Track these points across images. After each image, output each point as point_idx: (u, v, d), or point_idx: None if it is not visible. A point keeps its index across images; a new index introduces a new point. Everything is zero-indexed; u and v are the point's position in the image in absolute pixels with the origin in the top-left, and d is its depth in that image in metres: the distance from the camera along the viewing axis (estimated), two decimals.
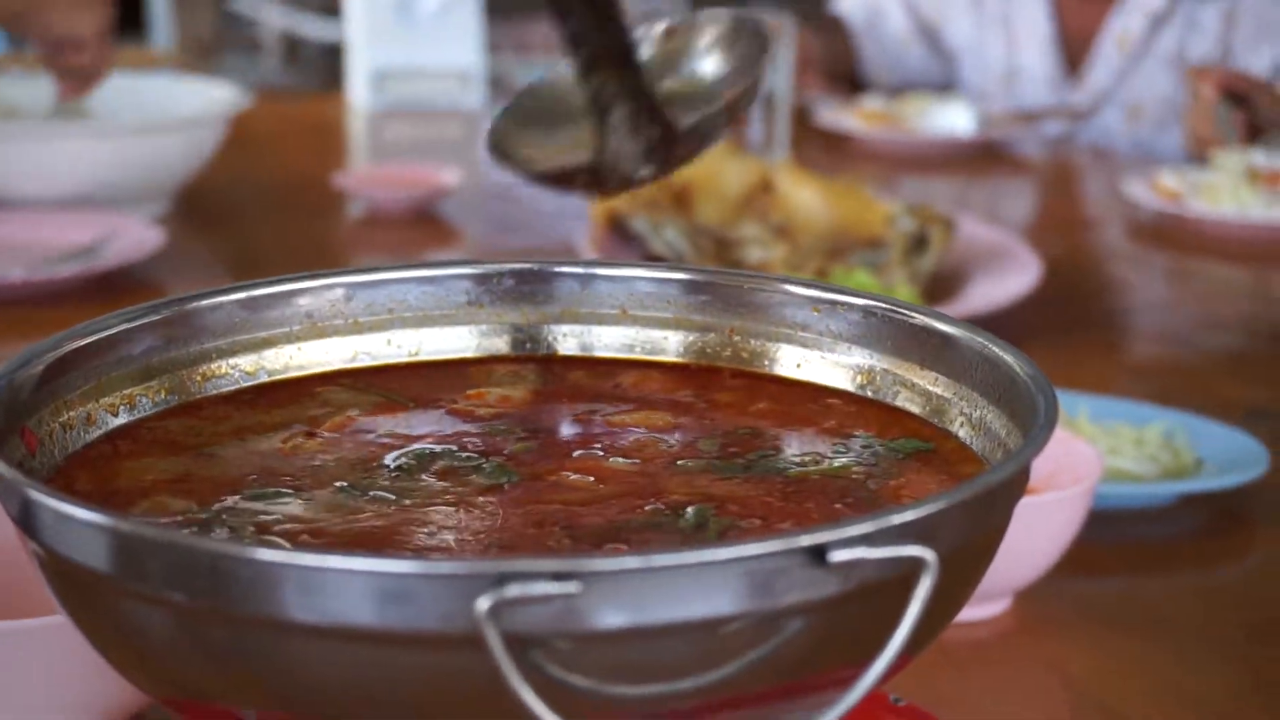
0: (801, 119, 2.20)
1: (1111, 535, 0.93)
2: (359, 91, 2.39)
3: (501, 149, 0.60)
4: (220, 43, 4.62)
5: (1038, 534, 0.81)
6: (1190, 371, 1.30)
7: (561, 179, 0.60)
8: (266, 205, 1.83)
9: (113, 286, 1.41)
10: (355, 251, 1.69)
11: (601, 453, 0.59)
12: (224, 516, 0.53)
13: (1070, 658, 0.81)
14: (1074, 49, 2.33)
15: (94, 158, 1.57)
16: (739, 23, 0.60)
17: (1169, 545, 0.95)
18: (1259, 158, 1.78)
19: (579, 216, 1.58)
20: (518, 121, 0.62)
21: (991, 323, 1.30)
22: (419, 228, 1.70)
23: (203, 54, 4.39)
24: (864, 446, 0.60)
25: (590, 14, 0.55)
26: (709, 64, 0.62)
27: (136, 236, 1.49)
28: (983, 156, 2.17)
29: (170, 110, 1.75)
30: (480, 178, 2.01)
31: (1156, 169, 1.89)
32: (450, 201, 1.77)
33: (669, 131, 0.58)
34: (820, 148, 2.16)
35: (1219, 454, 1.00)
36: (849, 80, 2.54)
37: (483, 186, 1.96)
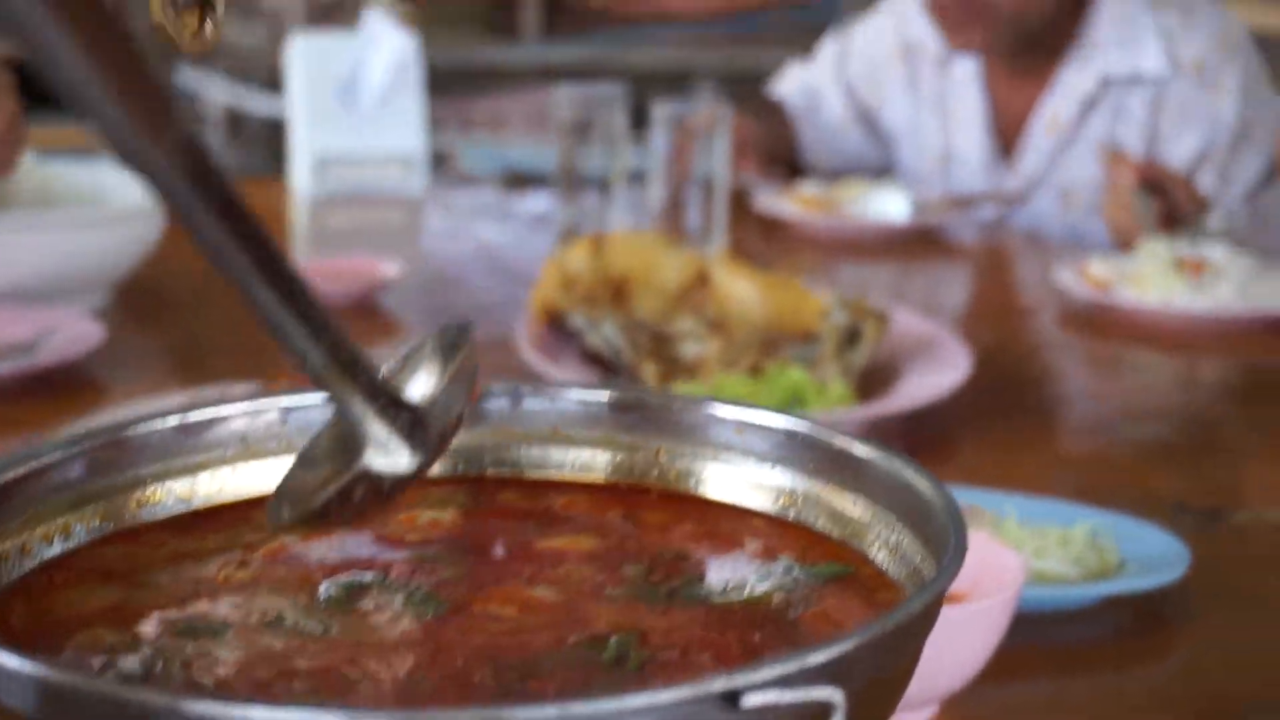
0: (739, 204, 2.23)
1: (1036, 637, 0.95)
2: (301, 177, 2.40)
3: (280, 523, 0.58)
4: None
5: (963, 644, 0.82)
6: (1119, 463, 1.32)
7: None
8: (209, 296, 1.83)
9: (52, 383, 1.41)
10: None
11: (528, 581, 0.61)
12: (154, 654, 0.54)
13: None
14: (1007, 133, 2.38)
15: (32, 251, 1.58)
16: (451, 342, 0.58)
17: (1093, 647, 0.96)
18: (1184, 248, 1.82)
19: (518, 307, 1.59)
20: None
21: (923, 416, 1.33)
22: (360, 320, 1.71)
23: None
24: (785, 571, 0.62)
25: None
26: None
27: (76, 331, 1.49)
28: (918, 242, 2.20)
29: (109, 201, 1.76)
30: (421, 267, 2.03)
31: (1086, 257, 1.93)
32: (392, 291, 1.79)
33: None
34: (758, 234, 2.19)
35: (1142, 553, 1.02)
36: (788, 164, 2.57)
37: (424, 276, 1.98)
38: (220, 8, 0.59)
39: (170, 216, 0.50)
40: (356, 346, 0.54)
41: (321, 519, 0.56)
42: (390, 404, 0.55)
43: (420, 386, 0.57)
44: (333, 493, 0.55)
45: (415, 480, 0.56)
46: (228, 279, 0.51)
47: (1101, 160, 2.10)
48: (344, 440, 0.56)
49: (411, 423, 0.55)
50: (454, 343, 0.57)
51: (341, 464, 0.55)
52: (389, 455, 0.55)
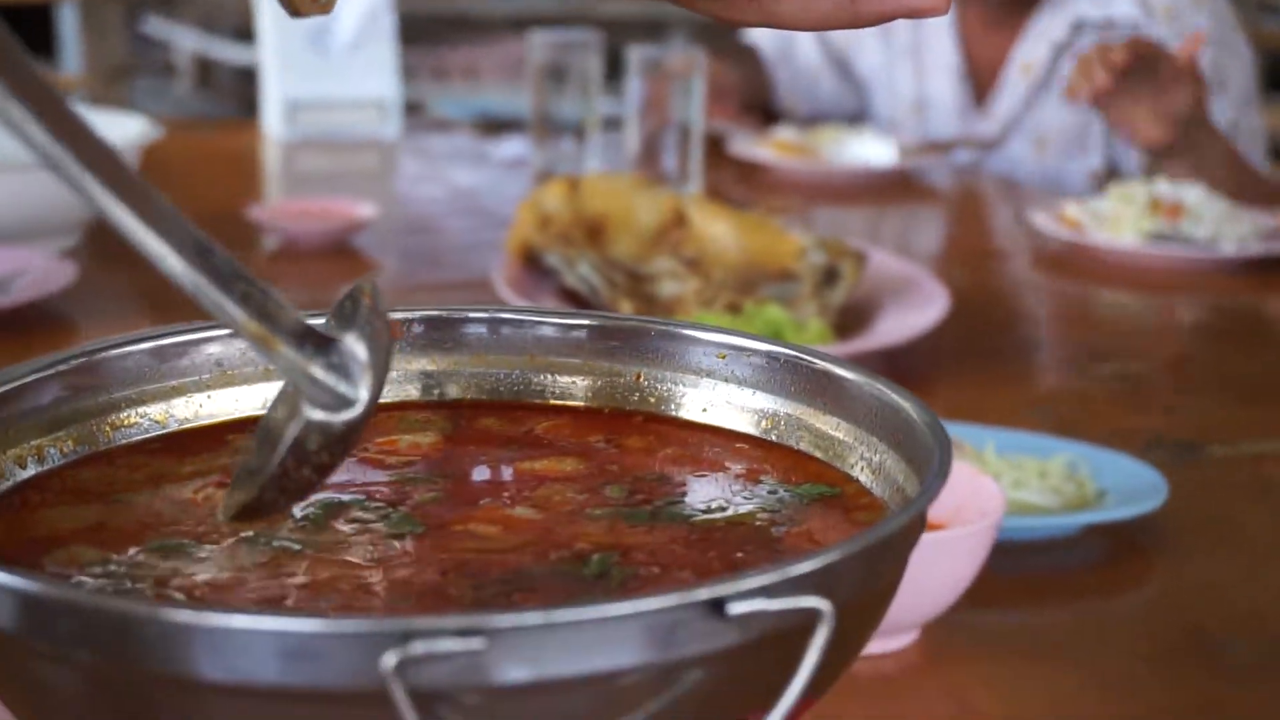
0: (715, 149, 2.23)
1: (1015, 567, 0.95)
2: (273, 122, 2.38)
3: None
4: (132, 66, 4.58)
5: (943, 569, 0.82)
6: (1094, 401, 1.33)
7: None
8: None
9: (24, 322, 1.40)
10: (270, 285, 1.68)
11: (509, 501, 0.60)
12: (128, 570, 0.53)
13: (975, 689, 0.83)
14: (981, 79, 2.37)
15: (2, 192, 1.56)
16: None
17: (1071, 576, 0.97)
18: (1162, 188, 1.82)
19: (494, 249, 1.59)
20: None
21: (901, 354, 1.33)
22: (334, 261, 1.70)
23: (114, 78, 4.34)
24: (769, 492, 0.62)
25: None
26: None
27: (47, 272, 1.48)
28: (892, 186, 2.20)
29: None
30: (396, 210, 2.02)
31: (1061, 200, 1.93)
32: (366, 234, 1.77)
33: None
34: (734, 178, 2.18)
35: (1120, 485, 1.02)
36: (764, 110, 2.57)
37: (399, 219, 1.96)
38: None
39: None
40: (273, 294, 0.52)
41: (278, 490, 0.53)
42: (319, 346, 0.52)
43: (338, 331, 0.54)
44: (282, 454, 0.52)
45: (366, 419, 0.54)
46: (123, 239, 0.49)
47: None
48: (291, 401, 0.54)
49: (346, 360, 0.53)
50: (352, 296, 0.55)
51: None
52: (332, 398, 0.53)
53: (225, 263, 0.51)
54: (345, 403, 0.53)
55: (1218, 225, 1.77)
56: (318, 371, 0.52)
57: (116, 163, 0.49)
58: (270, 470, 0.52)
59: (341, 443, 0.53)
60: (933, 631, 0.86)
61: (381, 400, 0.69)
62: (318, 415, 0.52)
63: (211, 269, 0.50)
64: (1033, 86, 2.28)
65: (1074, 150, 2.29)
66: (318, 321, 0.54)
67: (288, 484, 0.53)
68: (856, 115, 2.54)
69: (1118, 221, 1.78)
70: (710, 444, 0.66)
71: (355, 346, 0.53)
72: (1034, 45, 2.27)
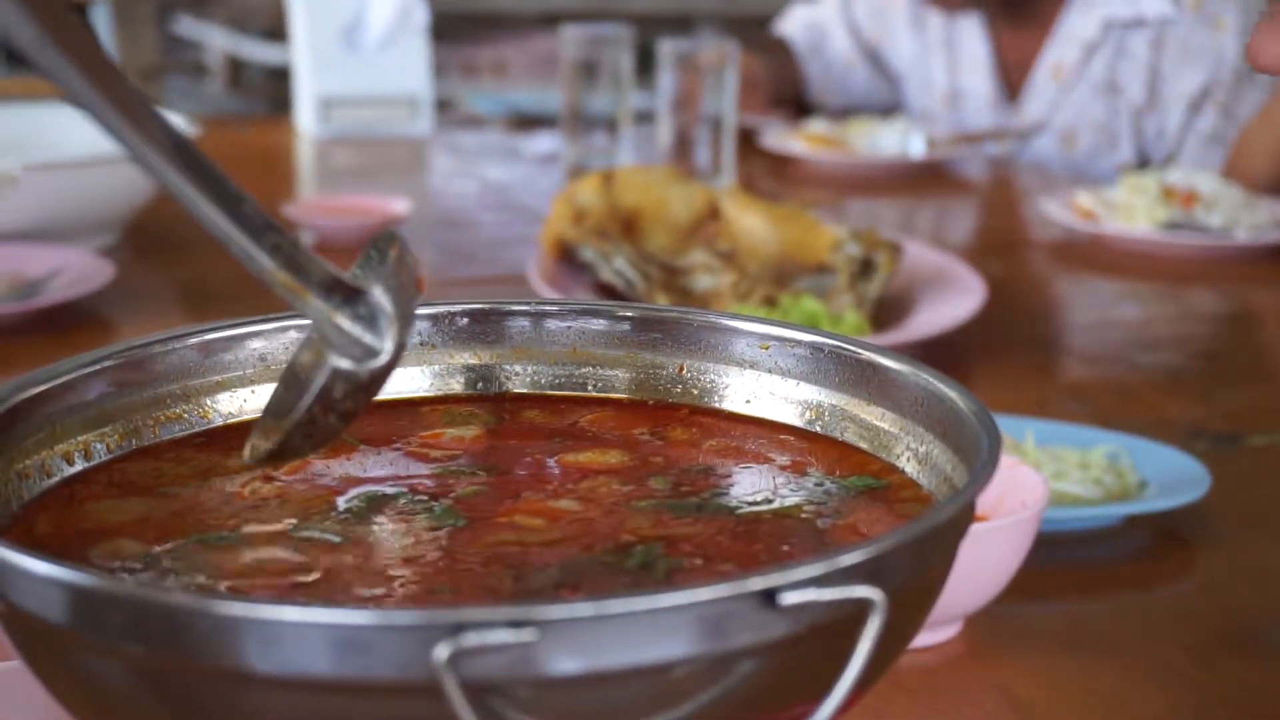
0: (747, 142, 2.22)
1: (1058, 558, 0.95)
2: (306, 119, 2.39)
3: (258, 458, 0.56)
4: (164, 66, 4.61)
5: (986, 560, 0.82)
6: (1132, 392, 1.32)
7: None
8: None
9: (62, 320, 1.41)
10: None
11: (553, 494, 0.60)
12: (171, 563, 0.54)
13: (1018, 681, 0.82)
14: (1011, 77, 2.36)
15: (42, 191, 1.57)
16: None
17: (1113, 567, 0.96)
18: (1174, 177, 1.82)
19: (528, 245, 1.59)
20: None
21: (936, 346, 1.32)
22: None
23: (146, 77, 4.37)
24: (815, 484, 0.61)
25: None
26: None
27: (86, 270, 1.48)
28: (925, 178, 2.19)
29: None
30: (429, 206, 2.02)
31: (1077, 189, 1.93)
32: (399, 230, 1.77)
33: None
34: (766, 171, 2.18)
35: (1162, 475, 1.02)
36: (795, 103, 2.56)
37: (432, 215, 1.97)
38: None
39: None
40: (303, 246, 0.53)
41: (304, 435, 0.55)
42: (346, 297, 0.54)
43: (365, 282, 0.55)
44: (309, 402, 0.54)
45: (392, 368, 0.55)
46: (162, 186, 0.50)
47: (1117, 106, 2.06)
48: (318, 348, 0.55)
49: (373, 311, 0.54)
50: (379, 245, 0.56)
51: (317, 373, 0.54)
52: (359, 348, 0.54)
53: (256, 214, 0.52)
54: (371, 353, 0.54)
55: (1232, 213, 1.76)
56: (344, 322, 0.53)
57: (155, 115, 0.50)
58: (297, 416, 0.54)
59: (366, 391, 0.54)
60: (975, 623, 0.86)
61: (425, 394, 0.70)
62: (344, 364, 0.54)
63: (242, 218, 0.51)
64: (1062, 87, 2.27)
65: (1104, 146, 2.27)
66: (345, 273, 0.55)
67: (313, 430, 0.55)
68: (889, 107, 2.53)
69: (1130, 210, 1.77)
70: (755, 436, 0.66)
71: (382, 298, 0.54)
72: (1065, 47, 2.26)
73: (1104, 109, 2.24)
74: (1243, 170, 1.96)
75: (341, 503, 0.59)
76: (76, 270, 1.48)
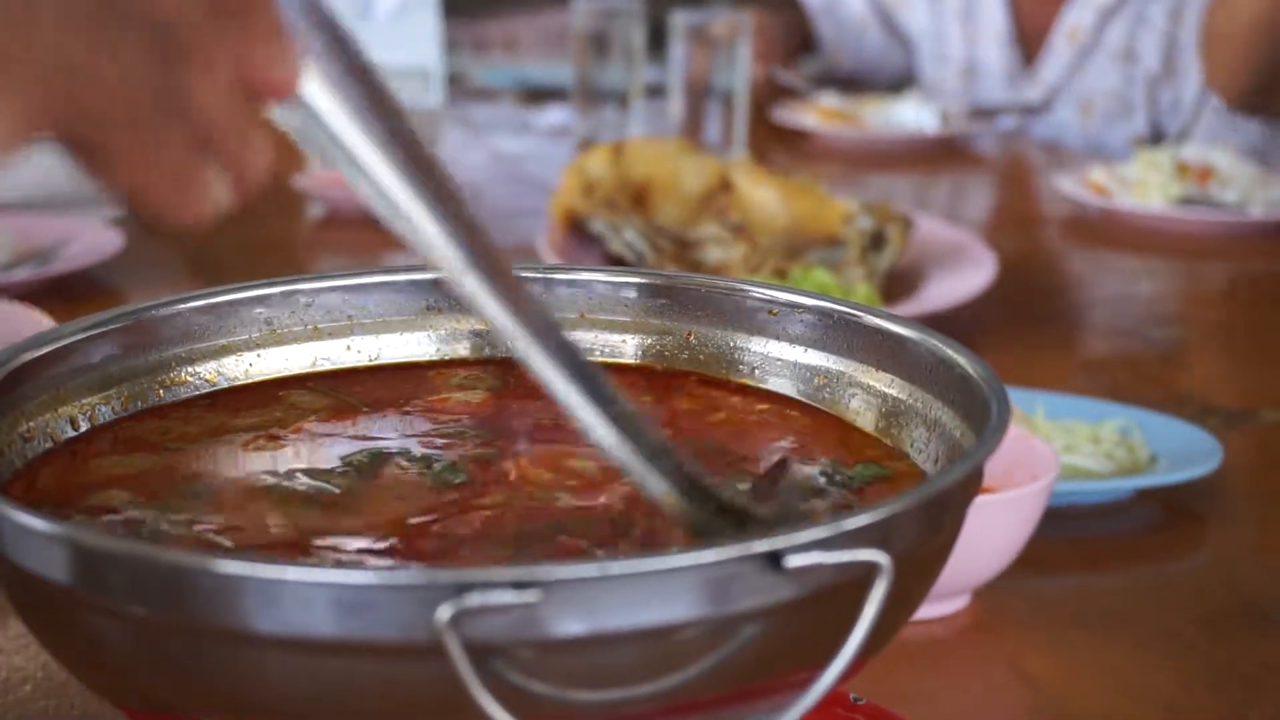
0: (759, 116, 2.21)
1: (1068, 531, 0.94)
2: None
3: None
4: None
5: (995, 532, 0.82)
6: (1143, 366, 1.31)
7: None
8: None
9: (71, 290, 1.41)
10: (314, 253, 1.68)
11: (557, 455, 0.60)
12: (156, 514, 0.53)
13: (1027, 653, 0.82)
14: (1029, 43, 2.35)
15: (51, 161, 1.56)
16: None
17: (1124, 541, 0.96)
18: (1188, 153, 1.81)
19: (538, 216, 1.58)
20: None
21: (947, 320, 1.32)
22: (378, 229, 1.69)
23: None
24: (821, 472, 0.60)
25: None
26: None
27: (95, 239, 1.48)
28: (938, 152, 2.18)
29: None
30: None
31: (1089, 165, 1.91)
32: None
33: None
34: (778, 145, 2.17)
35: (1173, 449, 1.01)
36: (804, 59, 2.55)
37: None
38: None
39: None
40: (698, 470, 0.50)
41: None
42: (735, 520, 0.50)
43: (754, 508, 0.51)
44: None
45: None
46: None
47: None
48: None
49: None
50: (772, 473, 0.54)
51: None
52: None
53: (655, 438, 0.49)
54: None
55: (1247, 189, 1.75)
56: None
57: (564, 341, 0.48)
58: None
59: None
60: (984, 596, 0.86)
61: (431, 358, 0.70)
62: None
63: (642, 441, 0.49)
64: (1079, 52, 2.26)
65: (1118, 115, 2.26)
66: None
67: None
68: (902, 75, 2.52)
69: (1145, 186, 1.76)
70: (763, 413, 0.65)
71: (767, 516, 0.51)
72: (1081, 11, 2.24)
73: (1120, 77, 2.23)
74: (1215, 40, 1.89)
75: (342, 459, 0.59)
76: (86, 240, 1.48)
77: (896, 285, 1.39)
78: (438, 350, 0.70)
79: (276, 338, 0.68)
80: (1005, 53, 2.35)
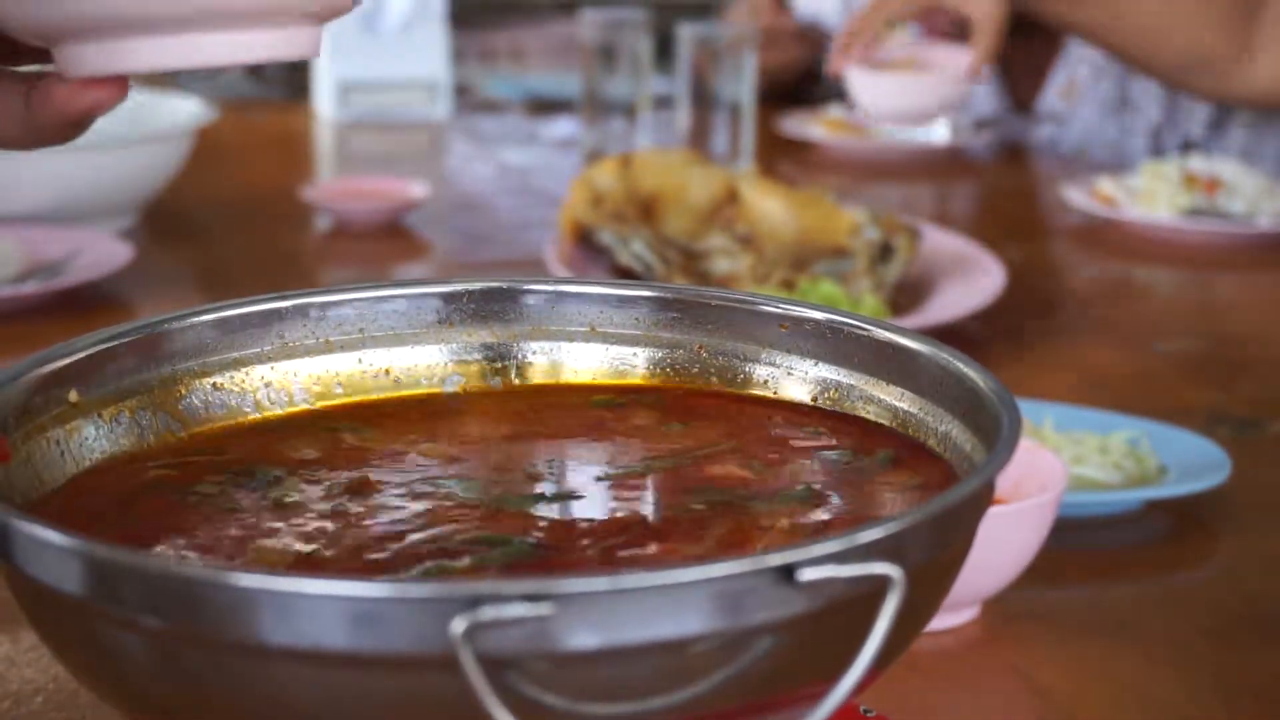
0: (765, 128, 2.21)
1: (1077, 543, 0.94)
2: (324, 103, 2.39)
3: None
4: None
5: (1004, 544, 0.82)
6: (1152, 378, 1.31)
7: None
8: (234, 218, 1.82)
9: (81, 302, 1.41)
10: (323, 264, 1.69)
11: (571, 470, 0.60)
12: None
13: (1037, 665, 0.82)
14: (1022, 94, 2.34)
15: (60, 173, 1.57)
16: None
17: (1133, 552, 0.96)
18: (1196, 164, 1.80)
19: (546, 229, 1.58)
20: None
21: (955, 330, 1.32)
22: (387, 240, 1.70)
23: None
24: (835, 459, 0.61)
25: None
26: None
27: (104, 251, 1.48)
28: (944, 163, 2.18)
29: (137, 124, 1.75)
30: (447, 189, 2.02)
31: (1099, 176, 1.91)
32: (418, 214, 1.77)
33: None
34: (784, 157, 2.17)
35: (1182, 461, 1.01)
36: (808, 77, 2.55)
37: (450, 198, 1.96)
38: None
39: None
40: None
41: None
42: None
43: None
44: None
45: None
46: None
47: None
48: None
49: None
50: None
51: None
52: None
53: None
54: None
55: (1255, 200, 1.75)
56: None
57: None
58: None
59: None
60: (994, 608, 0.86)
61: (440, 372, 0.70)
62: None
63: None
64: (1073, 108, 2.24)
65: (1119, 108, 2.23)
66: None
67: None
68: None
69: (1152, 197, 1.76)
70: (775, 415, 0.66)
71: None
72: (1074, 65, 2.23)
73: (1116, 128, 2.22)
74: None
75: (355, 471, 0.59)
76: (95, 252, 1.48)
77: (904, 296, 1.39)
78: (448, 364, 0.70)
79: (289, 351, 0.68)
80: (995, 100, 2.33)
